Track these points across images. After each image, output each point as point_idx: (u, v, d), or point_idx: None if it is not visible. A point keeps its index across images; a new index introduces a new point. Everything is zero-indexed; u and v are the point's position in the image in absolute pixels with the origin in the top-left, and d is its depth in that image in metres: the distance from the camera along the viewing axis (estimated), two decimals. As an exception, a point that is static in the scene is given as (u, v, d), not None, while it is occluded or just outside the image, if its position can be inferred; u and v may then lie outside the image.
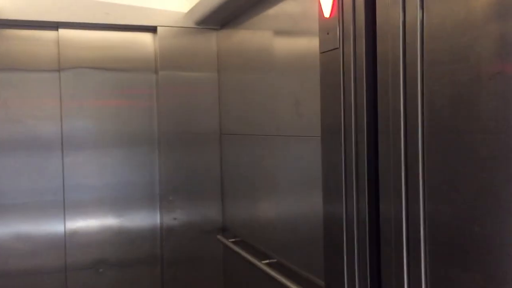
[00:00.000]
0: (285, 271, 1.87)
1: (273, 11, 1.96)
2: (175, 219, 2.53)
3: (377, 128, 1.11)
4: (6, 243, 2.35)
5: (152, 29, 2.52)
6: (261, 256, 2.06)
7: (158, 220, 2.58)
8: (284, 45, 1.91)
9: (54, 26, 2.40)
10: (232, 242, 2.33)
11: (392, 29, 1.02)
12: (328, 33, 1.22)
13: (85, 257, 2.48)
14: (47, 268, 2.43)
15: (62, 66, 2.41)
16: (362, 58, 1.12)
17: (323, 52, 1.25)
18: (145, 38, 2.55)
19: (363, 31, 1.12)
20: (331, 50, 1.21)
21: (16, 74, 2.35)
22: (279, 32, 1.94)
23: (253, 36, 2.19)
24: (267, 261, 1.99)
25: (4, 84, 2.34)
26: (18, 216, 2.38)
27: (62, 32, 2.41)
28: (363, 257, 1.19)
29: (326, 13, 1.22)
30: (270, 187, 2.05)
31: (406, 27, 0.98)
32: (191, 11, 2.46)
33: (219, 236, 2.45)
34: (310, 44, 1.61)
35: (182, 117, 2.55)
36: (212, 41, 2.57)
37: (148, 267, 2.59)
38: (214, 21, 2.46)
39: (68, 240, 2.45)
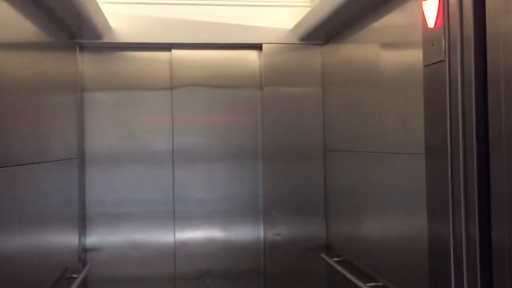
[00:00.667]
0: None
1: (378, 24, 1.90)
2: (278, 234, 2.53)
3: (488, 146, 1.01)
4: (123, 250, 2.52)
5: (258, 47, 2.57)
6: (365, 278, 1.98)
7: (261, 235, 2.60)
8: (390, 58, 1.83)
9: (168, 47, 2.55)
10: (336, 261, 2.27)
11: (504, 38, 0.93)
12: (432, 44, 1.14)
13: (193, 268, 2.57)
14: (158, 276, 2.55)
15: (174, 84, 2.55)
16: (470, 71, 1.03)
17: (427, 65, 1.17)
18: (251, 55, 2.61)
19: (472, 41, 1.03)
20: (436, 62, 1.14)
21: (133, 93, 2.53)
22: (384, 45, 1.87)
23: (357, 50, 2.14)
24: (373, 284, 1.91)
25: (123, 102, 2.53)
26: (134, 225, 2.54)
27: (175, 52, 2.56)
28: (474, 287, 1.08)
29: (431, 23, 1.14)
30: (374, 205, 1.96)
31: (521, 36, 0.88)
32: (296, 27, 2.48)
33: (322, 255, 2.40)
34: (416, 56, 1.52)
35: (286, 132, 2.56)
36: (316, 56, 2.56)
37: (251, 280, 2.61)
38: (318, 37, 2.45)
39: (178, 250, 2.56)
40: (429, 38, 1.16)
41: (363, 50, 2.07)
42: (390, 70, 1.81)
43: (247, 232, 2.61)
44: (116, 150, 2.51)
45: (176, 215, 2.56)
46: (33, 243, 1.64)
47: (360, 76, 2.09)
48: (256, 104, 2.61)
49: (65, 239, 2.11)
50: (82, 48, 2.46)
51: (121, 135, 2.52)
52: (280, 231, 2.54)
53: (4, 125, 1.39)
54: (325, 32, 2.36)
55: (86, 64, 2.48)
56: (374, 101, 1.94)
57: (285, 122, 2.55)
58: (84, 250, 2.45)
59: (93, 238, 2.48)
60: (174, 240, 2.56)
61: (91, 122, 2.49)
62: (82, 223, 2.43)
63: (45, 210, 1.78)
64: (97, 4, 2.04)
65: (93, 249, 2.47)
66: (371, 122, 1.97)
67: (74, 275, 2.10)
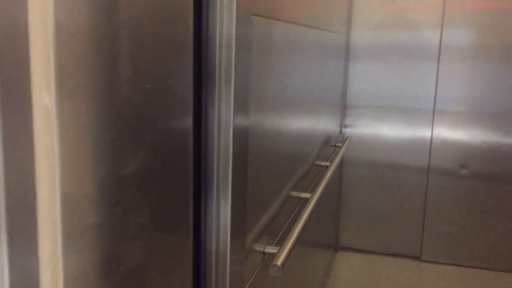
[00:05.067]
0: None
1: None
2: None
3: None
4: (381, 134, 2.61)
5: None
6: None
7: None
8: None
9: None
10: None
11: None
12: None
13: (448, 163, 2.53)
14: (412, 165, 2.60)
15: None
16: None
17: None
18: None
19: None
20: None
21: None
22: None
23: None
24: None
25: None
26: (391, 117, 2.59)
27: None
28: None
29: None
30: None
31: None
32: None
33: None
34: None
35: None
36: None
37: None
38: None
39: (434, 142, 2.54)
40: None
41: None
42: None
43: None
44: (380, 39, 2.54)
45: (436, 111, 2.51)
46: (309, 112, 1.82)
47: None
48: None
49: (331, 114, 2.29)
50: None
51: (387, 22, 2.52)
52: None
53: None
54: None
55: None
56: None
57: None
58: (344, 126, 2.62)
59: (352, 119, 2.62)
60: (432, 133, 2.53)
61: (359, 4, 2.54)
62: (343, 105, 2.58)
63: (319, 80, 1.95)
64: None
65: (352, 126, 2.63)
66: None
67: (338, 144, 2.28)
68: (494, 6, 2.36)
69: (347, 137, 2.46)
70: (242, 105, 0.85)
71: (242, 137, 0.88)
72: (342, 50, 2.42)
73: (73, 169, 0.49)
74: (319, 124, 2.00)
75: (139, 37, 0.57)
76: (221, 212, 0.85)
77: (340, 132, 2.54)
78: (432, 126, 2.53)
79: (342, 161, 2.65)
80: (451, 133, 2.51)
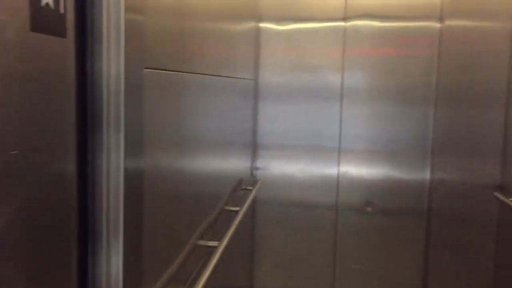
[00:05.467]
0: None
1: None
2: (445, 173, 2.45)
3: None
4: (289, 174, 2.67)
5: (438, -24, 2.45)
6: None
7: (427, 176, 2.54)
8: None
9: (343, -21, 2.56)
10: (512, 201, 2.13)
11: None
12: None
13: (354, 199, 2.63)
14: (321, 203, 2.67)
15: (347, 14, 2.56)
16: None
17: None
18: (431, -15, 2.49)
19: None
20: None
21: (306, 24, 2.60)
22: None
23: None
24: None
25: (295, 33, 2.61)
26: (300, 155, 2.66)
27: (349, -16, 2.56)
28: None
29: None
30: None
31: None
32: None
33: (496, 194, 2.27)
34: None
35: (465, 69, 2.42)
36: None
37: (414, 218, 2.58)
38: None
39: (341, 181, 2.63)
40: None
41: None
42: None
43: (411, 172, 2.57)
44: (287, 82, 2.63)
45: (341, 150, 2.62)
46: (216, 153, 1.83)
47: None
48: (433, 38, 2.50)
49: (241, 156, 2.31)
50: (263, -19, 2.59)
51: (293, 66, 2.62)
52: (449, 171, 2.45)
53: (193, 44, 1.55)
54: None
55: (265, -3, 2.61)
56: None
57: (465, 58, 2.41)
58: (255, 168, 2.65)
59: (263, 160, 2.66)
60: (338, 172, 2.63)
61: (265, 51, 2.62)
62: (254, 147, 2.62)
63: (227, 123, 1.97)
64: None
65: (262, 169, 2.66)
66: None
67: (249, 187, 2.29)
68: (389, 52, 2.55)
69: (258, 180, 2.48)
70: (135, 150, 0.83)
71: (135, 183, 0.85)
72: (251, 94, 2.48)
73: None
74: (229, 167, 2.00)
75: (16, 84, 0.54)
76: (112, 265, 0.81)
77: (252, 174, 2.57)
78: (338, 164, 2.63)
79: (254, 203, 2.66)
80: (356, 170, 2.63)
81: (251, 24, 2.44)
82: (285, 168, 2.66)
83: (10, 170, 0.54)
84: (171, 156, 1.14)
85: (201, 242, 1.41)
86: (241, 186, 2.25)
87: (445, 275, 2.54)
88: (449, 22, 2.40)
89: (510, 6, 2.35)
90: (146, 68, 0.83)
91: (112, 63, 0.76)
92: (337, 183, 2.64)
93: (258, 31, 2.58)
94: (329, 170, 2.65)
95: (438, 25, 2.47)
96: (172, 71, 1.09)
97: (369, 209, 2.62)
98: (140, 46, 0.80)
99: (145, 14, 0.84)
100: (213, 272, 1.28)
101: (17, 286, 0.56)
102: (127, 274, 0.83)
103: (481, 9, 2.38)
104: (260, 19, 2.59)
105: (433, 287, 2.55)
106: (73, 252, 0.72)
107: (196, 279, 1.19)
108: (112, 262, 0.80)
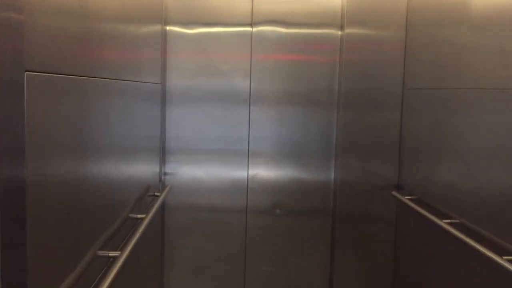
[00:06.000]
0: (469, 232, 1.76)
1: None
2: (348, 173, 2.56)
3: None
4: (198, 178, 2.65)
5: (341, -16, 2.55)
6: (440, 216, 1.97)
7: (331, 177, 2.63)
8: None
9: (249, -15, 2.59)
10: (408, 199, 2.27)
11: None
12: None
13: (263, 202, 2.67)
14: (231, 207, 2.67)
15: (254, 20, 2.59)
16: None
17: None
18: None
19: None
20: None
21: (214, 29, 2.60)
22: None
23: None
24: (449, 221, 1.90)
25: (203, 37, 2.60)
26: (210, 159, 2.65)
27: (256, -10, 2.59)
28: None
29: None
30: (456, 145, 1.94)
31: None
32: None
33: (393, 193, 2.40)
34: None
35: (364, 75, 2.54)
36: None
37: (320, 218, 2.67)
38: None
39: (250, 185, 2.66)
40: None
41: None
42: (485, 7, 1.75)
43: (317, 173, 2.65)
44: (195, 86, 2.61)
45: (250, 153, 2.64)
46: (122, 159, 1.77)
47: (451, 14, 2.04)
48: (335, 45, 2.60)
49: (148, 162, 2.26)
50: (169, -17, 2.55)
51: (201, 71, 2.61)
52: (351, 171, 2.56)
53: (91, 46, 1.49)
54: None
55: None
56: (466, 39, 1.89)
57: (364, 64, 2.53)
58: (164, 173, 2.60)
59: (172, 165, 2.61)
60: (248, 175, 2.65)
61: (173, 54, 2.59)
62: (162, 152, 2.57)
63: (133, 129, 1.91)
64: None
65: (172, 174, 2.62)
66: (462, 59, 1.92)
67: (157, 193, 2.24)
68: (295, 57, 2.61)
69: (167, 185, 2.44)
70: (14, 159, 0.77)
71: (15, 193, 0.79)
72: (158, 98, 2.42)
73: None
74: (135, 173, 1.94)
75: None
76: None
77: (160, 180, 2.51)
78: (248, 168, 2.65)
79: (163, 209, 2.61)
80: (265, 173, 2.66)
81: (157, 27, 2.39)
82: (194, 172, 2.64)
83: None
84: (65, 163, 1.08)
85: (101, 253, 1.35)
86: (148, 192, 2.19)
87: (350, 273, 2.65)
88: (348, 30, 2.51)
89: (402, 16, 2.51)
90: (27, 71, 0.77)
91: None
92: (247, 186, 2.66)
93: (165, 34, 2.53)
94: (239, 173, 2.66)
95: (339, 32, 2.58)
96: (64, 74, 1.03)
97: (277, 211, 2.67)
98: (19, 47, 0.75)
99: (27, 13, 0.79)
100: (114, 283, 1.23)
101: None
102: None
103: (377, 19, 2.52)
104: (167, 22, 2.55)
105: (339, 285, 2.64)
106: None
107: (94, 292, 1.13)
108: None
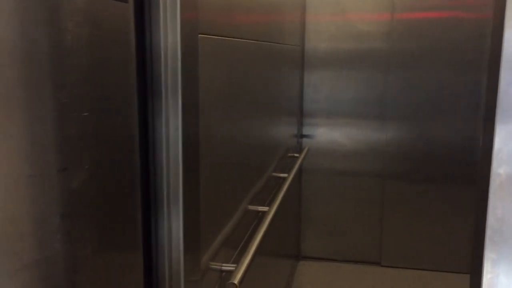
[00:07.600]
0: None
1: None
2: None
3: None
4: (338, 141, 2.65)
5: None
6: None
7: (479, 139, 2.46)
8: None
9: None
10: None
11: None
12: None
13: (402, 168, 2.60)
14: (369, 170, 2.65)
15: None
16: None
17: None
18: None
19: None
20: None
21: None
22: None
23: None
24: None
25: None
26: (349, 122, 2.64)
27: None
28: None
29: None
30: None
31: None
32: None
33: None
34: None
35: None
36: None
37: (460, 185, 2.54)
38: None
39: (387, 148, 2.59)
40: None
41: None
42: None
43: (461, 138, 2.50)
44: (333, 49, 2.58)
45: (386, 117, 2.57)
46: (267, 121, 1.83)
47: None
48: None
49: (288, 123, 2.31)
50: None
51: (339, 32, 2.57)
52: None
53: (243, 11, 1.53)
54: None
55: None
56: None
57: None
58: (301, 135, 2.65)
59: (309, 128, 2.65)
60: (386, 138, 2.59)
61: (312, 16, 2.58)
62: (300, 114, 2.61)
63: (276, 90, 1.96)
64: None
65: (309, 136, 2.66)
66: None
67: (296, 154, 2.29)
68: (441, 15, 2.45)
69: (305, 147, 2.48)
70: (191, 116, 0.84)
71: (192, 148, 0.87)
72: (298, 61, 2.45)
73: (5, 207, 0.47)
74: (277, 134, 2.01)
75: (83, 61, 0.55)
76: (173, 228, 0.83)
77: (298, 142, 2.57)
78: (385, 131, 2.59)
79: (301, 171, 2.67)
80: (403, 136, 2.57)
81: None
82: (331, 135, 2.64)
83: (82, 131, 0.56)
84: (223, 122, 1.15)
85: (252, 207, 1.43)
86: (289, 153, 2.25)
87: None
88: None
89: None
90: (200, 34, 0.83)
91: (169, 29, 0.77)
92: (384, 150, 2.60)
93: (305, -3, 2.53)
94: (376, 136, 2.61)
95: None
96: (224, 36, 1.09)
97: (416, 176, 2.58)
98: (195, 13, 0.81)
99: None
100: (263, 237, 1.31)
101: (91, 243, 0.59)
102: (187, 238, 0.85)
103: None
104: (307, -16, 2.54)
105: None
106: (137, 215, 0.75)
107: (248, 243, 1.21)
108: (173, 226, 0.83)
